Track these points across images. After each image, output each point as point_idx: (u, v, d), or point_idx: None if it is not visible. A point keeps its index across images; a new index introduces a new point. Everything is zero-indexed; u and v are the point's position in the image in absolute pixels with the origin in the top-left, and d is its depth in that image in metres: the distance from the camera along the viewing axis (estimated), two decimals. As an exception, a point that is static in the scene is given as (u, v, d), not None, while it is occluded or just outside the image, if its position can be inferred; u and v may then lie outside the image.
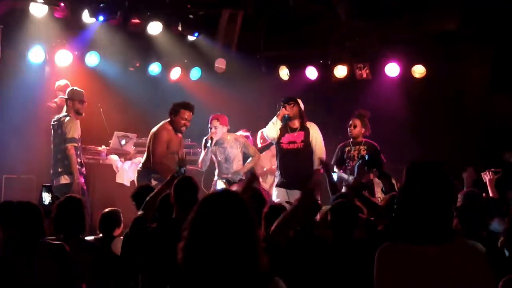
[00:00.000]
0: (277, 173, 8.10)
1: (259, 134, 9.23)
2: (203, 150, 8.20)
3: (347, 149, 8.21)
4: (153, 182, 7.48)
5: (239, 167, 8.29)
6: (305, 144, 7.93)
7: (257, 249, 2.48)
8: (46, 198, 6.21)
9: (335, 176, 7.53)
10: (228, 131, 8.36)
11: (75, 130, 7.81)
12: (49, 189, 6.41)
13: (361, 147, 8.10)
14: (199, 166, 8.25)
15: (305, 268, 4.26)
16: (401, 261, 2.70)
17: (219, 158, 8.27)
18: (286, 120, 7.92)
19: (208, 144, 8.05)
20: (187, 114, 7.81)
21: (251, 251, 2.46)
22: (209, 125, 8.18)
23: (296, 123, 8.01)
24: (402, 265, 2.69)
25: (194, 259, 2.45)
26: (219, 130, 8.14)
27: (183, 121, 7.79)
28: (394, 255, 2.74)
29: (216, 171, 8.36)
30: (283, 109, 7.94)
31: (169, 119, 7.88)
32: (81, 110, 8.02)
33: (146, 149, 7.97)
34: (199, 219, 2.51)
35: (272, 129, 8.04)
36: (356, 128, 8.15)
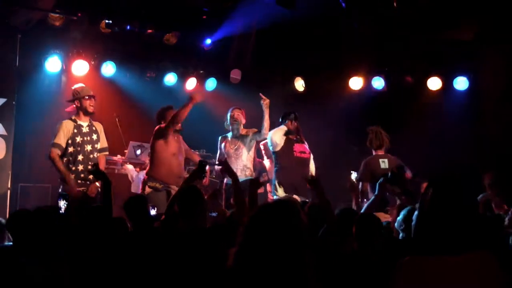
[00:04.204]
0: (276, 178, 8.23)
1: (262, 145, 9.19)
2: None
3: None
4: (147, 190, 7.52)
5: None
6: (310, 155, 8.44)
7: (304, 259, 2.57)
8: (62, 206, 6.27)
9: None
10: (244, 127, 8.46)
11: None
12: (64, 197, 6.46)
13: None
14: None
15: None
16: (425, 273, 2.68)
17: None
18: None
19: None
20: None
21: (299, 261, 2.55)
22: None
23: (295, 136, 8.43)
24: (426, 277, 2.67)
25: (247, 264, 2.51)
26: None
27: None
28: (417, 267, 2.71)
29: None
30: (294, 122, 8.37)
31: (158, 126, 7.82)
32: (89, 108, 7.41)
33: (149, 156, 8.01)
34: (255, 226, 2.59)
35: (280, 135, 8.23)
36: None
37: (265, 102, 8.18)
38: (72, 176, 7.15)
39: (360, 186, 7.87)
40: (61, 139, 7.19)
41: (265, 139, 8.40)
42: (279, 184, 8.08)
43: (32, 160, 9.23)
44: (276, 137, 8.30)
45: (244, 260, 2.56)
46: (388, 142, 8.08)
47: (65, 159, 7.22)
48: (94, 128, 7.50)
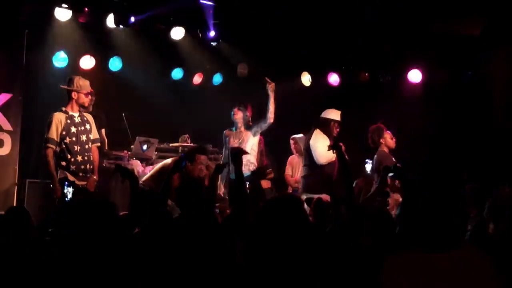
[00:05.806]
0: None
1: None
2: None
3: None
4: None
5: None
6: None
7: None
8: (69, 193, 6.28)
9: None
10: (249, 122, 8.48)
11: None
12: (71, 184, 6.47)
13: None
14: None
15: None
16: (410, 270, 2.66)
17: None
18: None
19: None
20: (202, 158, 7.57)
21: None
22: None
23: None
24: (411, 273, 2.65)
25: (256, 259, 2.53)
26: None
27: (199, 166, 7.46)
28: (403, 263, 2.69)
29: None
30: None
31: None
32: (86, 103, 7.44)
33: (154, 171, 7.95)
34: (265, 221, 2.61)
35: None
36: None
37: (271, 86, 8.17)
38: (73, 167, 7.16)
39: None
40: (54, 133, 7.16)
41: (271, 124, 8.31)
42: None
43: (39, 155, 9.23)
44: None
45: (253, 256, 2.56)
46: (369, 139, 8.14)
47: (62, 150, 7.19)
48: (85, 119, 7.47)
